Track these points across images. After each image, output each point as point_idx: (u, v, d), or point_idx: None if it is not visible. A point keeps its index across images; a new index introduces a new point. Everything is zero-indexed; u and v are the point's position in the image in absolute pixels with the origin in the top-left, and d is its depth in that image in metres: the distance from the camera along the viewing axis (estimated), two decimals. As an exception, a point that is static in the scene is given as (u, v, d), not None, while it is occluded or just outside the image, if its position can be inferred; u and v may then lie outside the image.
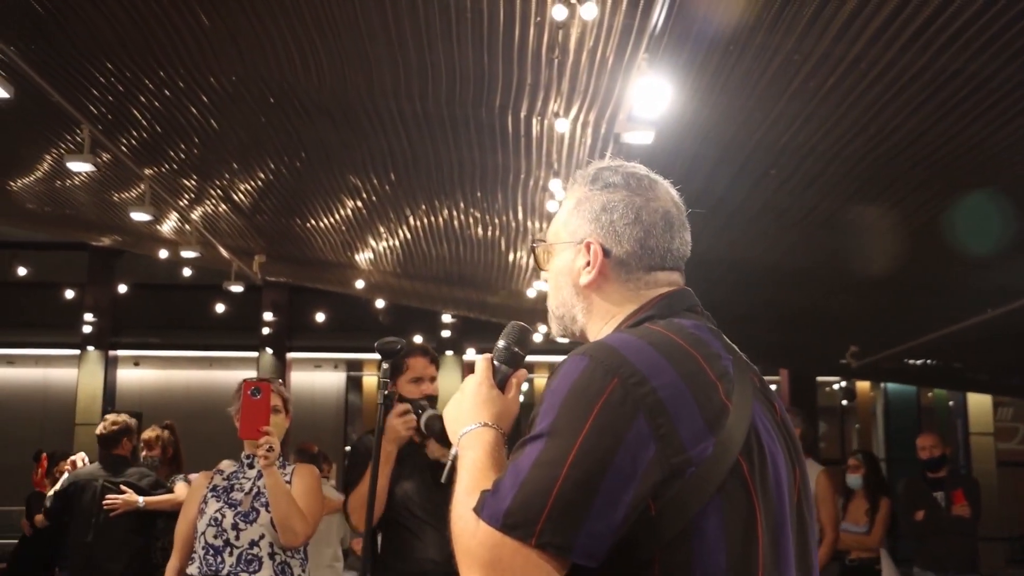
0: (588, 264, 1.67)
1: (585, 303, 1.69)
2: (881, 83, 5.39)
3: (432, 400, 3.60)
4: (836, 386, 21.68)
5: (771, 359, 15.65)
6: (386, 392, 2.63)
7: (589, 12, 4.52)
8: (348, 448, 3.70)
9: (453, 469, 1.62)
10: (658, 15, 4.58)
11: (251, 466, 4.09)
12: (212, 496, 3.99)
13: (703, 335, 1.56)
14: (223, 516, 3.87)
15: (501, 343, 1.76)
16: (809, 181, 6.83)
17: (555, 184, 6.97)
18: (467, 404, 1.69)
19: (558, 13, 4.64)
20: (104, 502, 5.98)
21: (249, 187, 9.53)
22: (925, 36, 4.86)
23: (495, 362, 1.75)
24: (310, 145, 8.14)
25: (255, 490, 3.96)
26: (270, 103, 7.29)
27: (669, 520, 1.37)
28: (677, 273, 1.70)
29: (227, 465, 8.38)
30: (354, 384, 21.89)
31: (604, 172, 1.72)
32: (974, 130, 5.81)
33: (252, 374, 19.44)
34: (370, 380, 21.94)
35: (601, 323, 1.68)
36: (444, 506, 3.68)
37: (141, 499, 6.04)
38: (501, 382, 1.74)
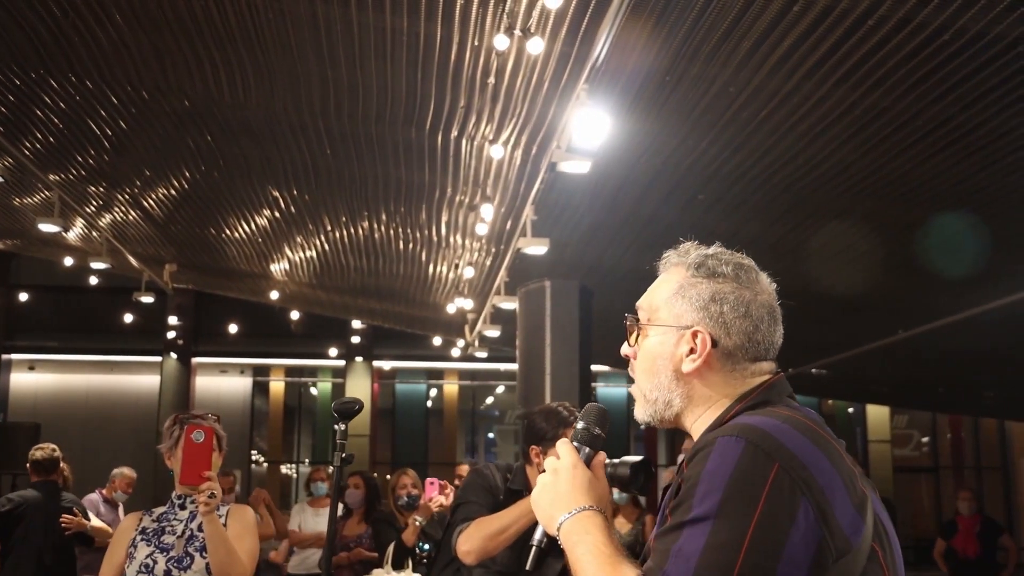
0: (692, 352, 1.61)
1: (685, 389, 1.64)
2: (812, 117, 5.49)
3: None
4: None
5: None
6: (343, 455, 2.54)
7: (535, 46, 4.48)
8: (470, 468, 3.44)
9: (542, 553, 1.61)
10: (601, 46, 4.56)
11: (183, 507, 3.91)
12: (141, 540, 3.79)
13: (821, 421, 1.55)
14: (154, 562, 3.68)
15: (581, 424, 1.71)
16: (736, 206, 6.93)
17: (486, 208, 6.92)
18: (565, 487, 1.62)
19: (500, 43, 4.59)
20: (62, 520, 6.48)
21: (162, 196, 9.25)
22: (857, 75, 4.97)
23: (575, 443, 1.69)
24: (229, 156, 7.93)
25: (188, 533, 3.78)
26: (189, 113, 7.08)
27: None
28: (775, 363, 1.68)
29: (125, 474, 8.19)
30: (260, 389, 21.48)
31: (710, 260, 1.66)
32: (896, 165, 5.97)
33: (155, 380, 19.03)
34: (277, 386, 21.57)
35: (701, 409, 1.64)
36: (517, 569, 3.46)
37: (88, 523, 6.60)
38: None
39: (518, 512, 3.21)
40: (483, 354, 13.37)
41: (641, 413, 1.69)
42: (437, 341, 16.69)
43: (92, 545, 6.92)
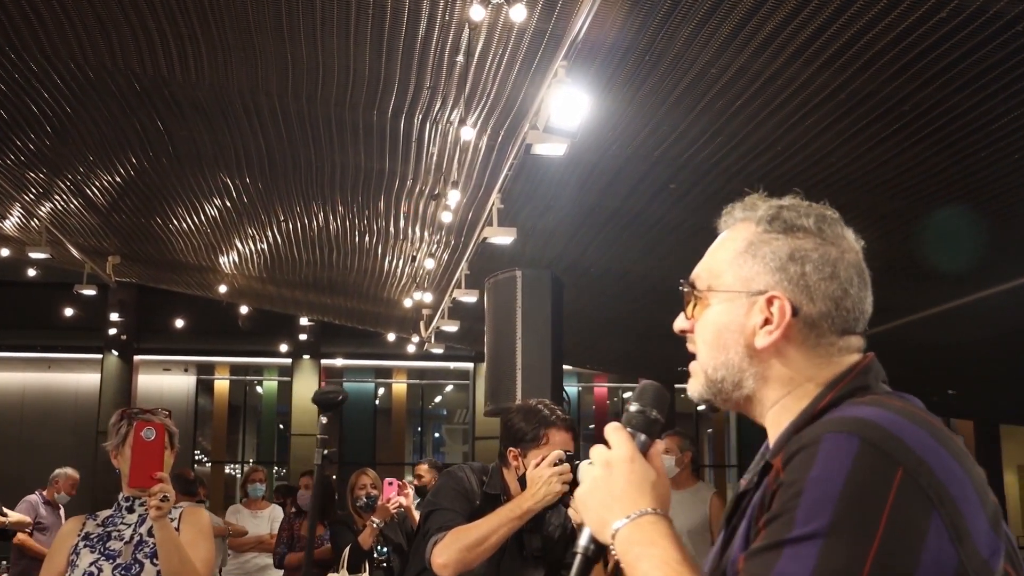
0: (768, 322, 1.34)
1: (760, 368, 1.35)
2: (795, 101, 5.29)
3: None
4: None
5: (630, 368, 15.86)
6: (325, 451, 2.25)
7: (518, 14, 4.21)
8: (443, 470, 3.02)
9: (588, 563, 1.35)
10: (582, 21, 4.31)
11: (130, 510, 3.58)
12: (85, 546, 3.46)
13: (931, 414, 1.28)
14: (99, 570, 3.37)
15: (634, 407, 1.44)
16: (707, 197, 6.72)
17: (452, 194, 6.64)
18: (620, 486, 1.34)
19: (475, 14, 4.31)
20: None
21: (106, 183, 8.84)
22: (845, 56, 4.77)
23: (629, 430, 1.42)
24: (178, 140, 7.56)
25: (136, 538, 3.46)
26: (137, 94, 6.71)
27: None
28: (863, 337, 1.39)
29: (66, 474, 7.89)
30: (205, 388, 20.99)
31: (786, 212, 1.38)
32: (878, 152, 5.80)
33: (96, 377, 18.48)
34: (221, 384, 21.09)
35: (778, 394, 1.35)
36: None
37: (5, 518, 6.72)
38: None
39: (499, 520, 2.88)
40: (439, 350, 13.10)
41: (700, 390, 1.40)
42: (391, 337, 16.38)
43: (11, 539, 6.95)
